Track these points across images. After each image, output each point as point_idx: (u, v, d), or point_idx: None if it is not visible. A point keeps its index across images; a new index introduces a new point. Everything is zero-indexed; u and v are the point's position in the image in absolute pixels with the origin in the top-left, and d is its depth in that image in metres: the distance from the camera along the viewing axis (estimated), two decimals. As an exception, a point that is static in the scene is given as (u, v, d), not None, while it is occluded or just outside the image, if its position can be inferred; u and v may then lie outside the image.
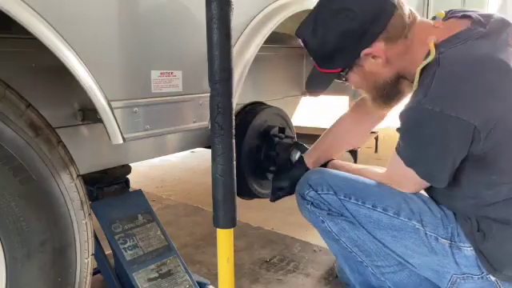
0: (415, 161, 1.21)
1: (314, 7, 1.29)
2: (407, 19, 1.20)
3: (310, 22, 1.27)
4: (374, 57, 1.22)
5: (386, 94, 1.31)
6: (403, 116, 1.19)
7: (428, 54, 1.15)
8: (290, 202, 1.60)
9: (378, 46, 1.20)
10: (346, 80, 1.32)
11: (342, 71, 1.28)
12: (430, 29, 1.22)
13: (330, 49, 1.25)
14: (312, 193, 1.42)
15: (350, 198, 1.35)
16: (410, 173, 1.22)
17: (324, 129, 1.80)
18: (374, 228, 1.33)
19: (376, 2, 1.18)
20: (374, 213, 1.32)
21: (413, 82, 1.21)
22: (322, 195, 1.39)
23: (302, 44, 1.35)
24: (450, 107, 1.08)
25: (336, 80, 1.33)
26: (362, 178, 1.40)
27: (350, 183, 1.38)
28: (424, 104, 1.11)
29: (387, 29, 1.18)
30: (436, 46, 1.15)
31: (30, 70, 1.20)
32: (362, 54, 1.22)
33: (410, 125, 1.19)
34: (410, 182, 1.27)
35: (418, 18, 1.25)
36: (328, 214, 1.40)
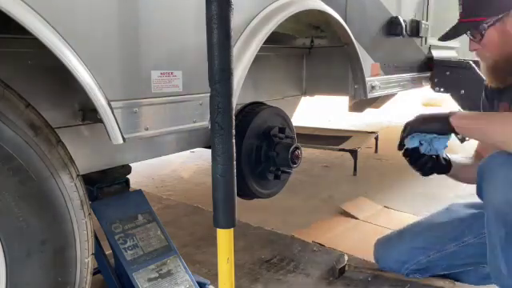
0: None
1: None
2: None
3: None
4: None
5: (506, 67, 1.39)
6: None
7: None
8: (290, 201, 1.60)
9: None
10: (481, 35, 1.38)
11: (486, 22, 1.37)
12: None
13: None
14: None
15: None
16: None
17: (324, 129, 1.81)
18: None
19: None
20: None
21: None
22: None
23: None
24: None
25: (469, 35, 1.42)
26: None
27: None
28: None
29: None
30: None
31: (29, 69, 1.20)
32: None
33: None
34: None
35: None
36: None
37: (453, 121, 1.35)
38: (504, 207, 1.26)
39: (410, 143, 1.47)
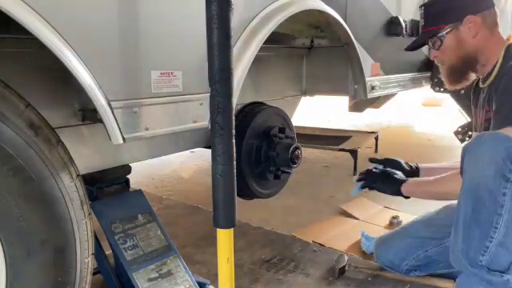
0: None
1: None
2: (497, 20, 1.58)
3: None
4: (469, 28, 1.55)
5: (461, 69, 1.61)
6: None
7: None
8: (290, 201, 1.60)
9: (477, 19, 1.54)
10: (441, 42, 1.59)
11: (444, 29, 1.59)
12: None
13: (446, 6, 1.61)
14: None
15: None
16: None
17: (324, 129, 1.83)
18: None
19: None
20: None
21: (478, 73, 1.62)
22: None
23: (421, 11, 1.68)
24: None
25: (430, 45, 1.63)
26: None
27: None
28: None
29: (489, 10, 1.55)
30: None
31: (29, 69, 1.20)
32: (465, 19, 1.55)
33: None
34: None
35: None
36: None
37: (403, 190, 1.63)
38: (477, 181, 1.33)
39: (355, 191, 1.76)
